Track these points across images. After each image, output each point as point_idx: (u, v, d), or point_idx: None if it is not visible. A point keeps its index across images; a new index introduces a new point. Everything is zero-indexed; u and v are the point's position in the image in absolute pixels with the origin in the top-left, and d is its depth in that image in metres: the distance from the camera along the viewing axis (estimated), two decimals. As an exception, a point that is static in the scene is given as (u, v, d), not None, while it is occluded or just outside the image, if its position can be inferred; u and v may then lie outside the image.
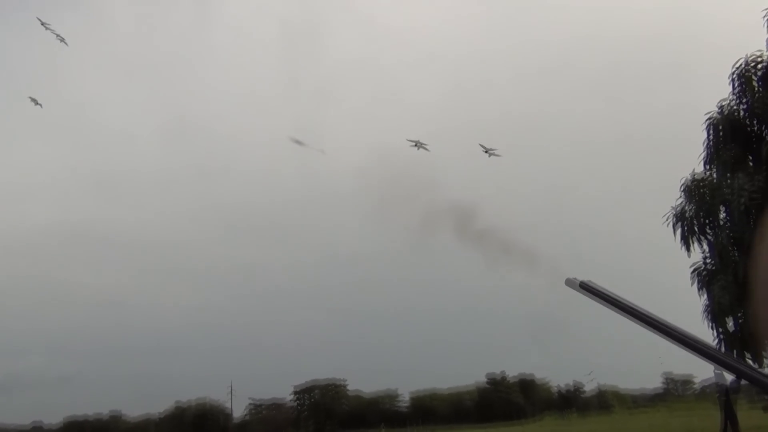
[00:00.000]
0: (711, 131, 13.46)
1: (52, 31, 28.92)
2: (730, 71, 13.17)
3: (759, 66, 12.87)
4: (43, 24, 28.80)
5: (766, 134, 13.11)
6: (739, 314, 12.78)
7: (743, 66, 13.15)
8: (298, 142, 25.96)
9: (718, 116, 13.38)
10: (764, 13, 12.77)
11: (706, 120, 13.53)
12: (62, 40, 29.10)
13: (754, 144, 13.20)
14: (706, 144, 13.55)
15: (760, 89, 12.96)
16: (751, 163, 13.10)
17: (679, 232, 13.77)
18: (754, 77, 13.11)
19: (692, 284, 13.80)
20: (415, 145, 24.98)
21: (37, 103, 30.79)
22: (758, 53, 12.95)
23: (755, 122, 13.30)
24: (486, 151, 24.22)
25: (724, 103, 13.33)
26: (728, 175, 13.02)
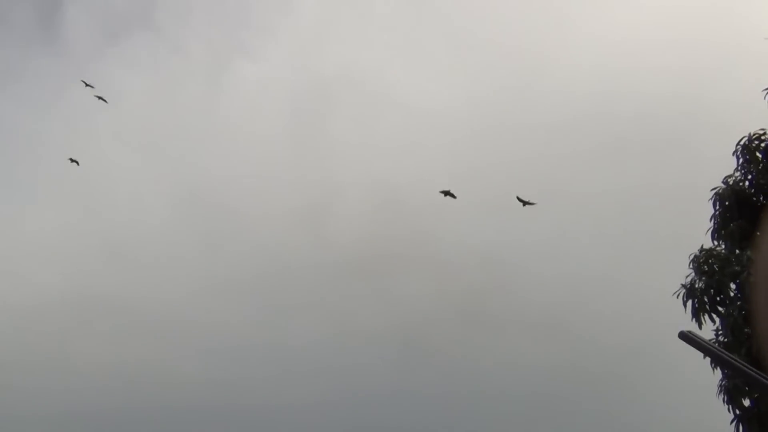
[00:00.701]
0: (717, 205, 13.68)
1: (91, 88, 30.70)
2: (733, 149, 13.58)
3: (762, 144, 13.27)
4: (85, 83, 30.92)
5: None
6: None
7: (747, 142, 13.54)
8: (446, 194, 26.29)
9: (725, 190, 13.63)
10: (765, 93, 13.26)
11: (713, 194, 13.81)
12: (100, 98, 30.99)
13: (762, 217, 13.38)
14: (713, 217, 13.75)
15: (764, 160, 13.26)
16: (759, 236, 13.23)
17: (690, 307, 13.74)
18: (757, 152, 13.44)
19: (704, 357, 13.66)
20: (445, 195, 25.88)
21: (75, 162, 32.10)
22: (761, 131, 13.39)
23: (761, 197, 13.52)
24: (524, 204, 24.53)
25: (730, 179, 13.64)
26: (736, 249, 13.15)
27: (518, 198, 24.56)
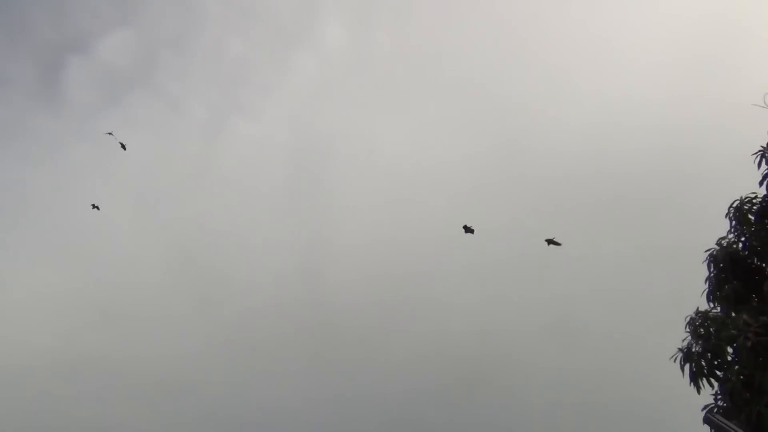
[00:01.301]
0: (712, 266, 13.64)
1: (114, 137, 32.29)
2: (725, 211, 13.70)
3: (754, 207, 13.37)
4: (108, 133, 32.72)
5: (767, 270, 13.30)
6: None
7: (739, 205, 13.65)
8: (553, 243, 26.09)
9: (718, 251, 13.63)
10: (755, 157, 13.43)
11: (707, 256, 13.81)
12: (123, 146, 32.58)
13: (756, 279, 13.35)
14: (708, 279, 13.70)
15: (756, 223, 13.31)
16: (754, 298, 13.17)
17: (687, 371, 13.51)
18: (749, 215, 13.52)
19: (703, 422, 13.40)
20: (466, 231, 26.10)
21: (96, 207, 33.12)
22: (752, 195, 13.52)
23: (755, 258, 13.52)
24: (549, 244, 24.25)
25: (723, 241, 13.66)
26: (732, 312, 13.04)
27: (546, 240, 24.23)
